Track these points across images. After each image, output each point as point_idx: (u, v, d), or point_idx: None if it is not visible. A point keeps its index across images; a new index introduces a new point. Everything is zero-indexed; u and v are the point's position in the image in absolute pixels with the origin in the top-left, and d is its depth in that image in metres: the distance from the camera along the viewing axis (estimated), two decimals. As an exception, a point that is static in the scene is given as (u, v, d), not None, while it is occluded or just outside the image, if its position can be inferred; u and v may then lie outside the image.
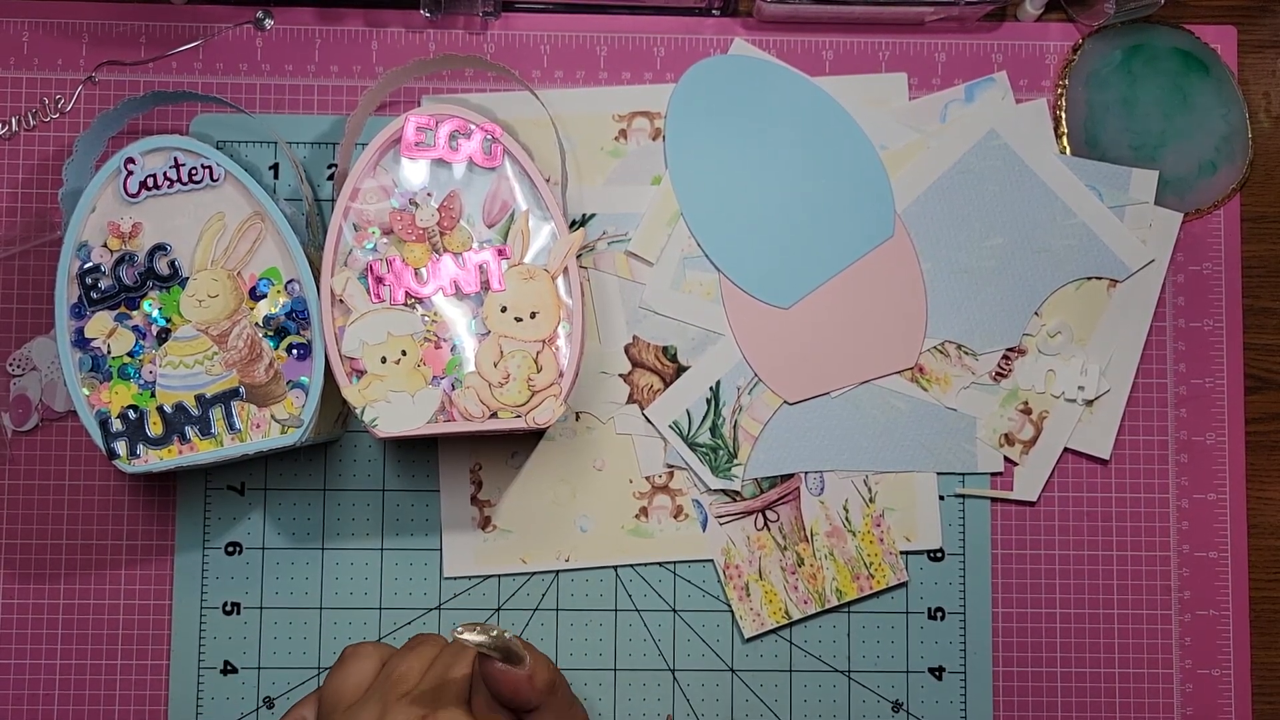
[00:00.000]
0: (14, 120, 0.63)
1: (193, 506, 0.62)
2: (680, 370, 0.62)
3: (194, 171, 0.55)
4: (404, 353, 0.54)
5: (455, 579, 0.62)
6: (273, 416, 0.55)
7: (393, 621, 0.62)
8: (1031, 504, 0.63)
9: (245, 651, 0.61)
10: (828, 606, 0.62)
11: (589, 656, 0.62)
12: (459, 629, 0.46)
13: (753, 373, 0.62)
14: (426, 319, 0.55)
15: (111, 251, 0.55)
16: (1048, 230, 0.63)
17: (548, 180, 0.56)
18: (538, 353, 0.55)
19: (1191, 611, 0.63)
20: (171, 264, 0.55)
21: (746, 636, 0.62)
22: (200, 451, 0.54)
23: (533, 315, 0.55)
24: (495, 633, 0.47)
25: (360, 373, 0.54)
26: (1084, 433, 0.63)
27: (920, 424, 0.62)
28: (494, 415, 0.54)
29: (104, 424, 0.54)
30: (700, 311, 0.62)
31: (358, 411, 0.54)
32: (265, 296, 0.55)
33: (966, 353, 0.63)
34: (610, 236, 0.63)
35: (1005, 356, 0.63)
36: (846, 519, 0.62)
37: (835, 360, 0.62)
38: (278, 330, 0.55)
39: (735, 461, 0.62)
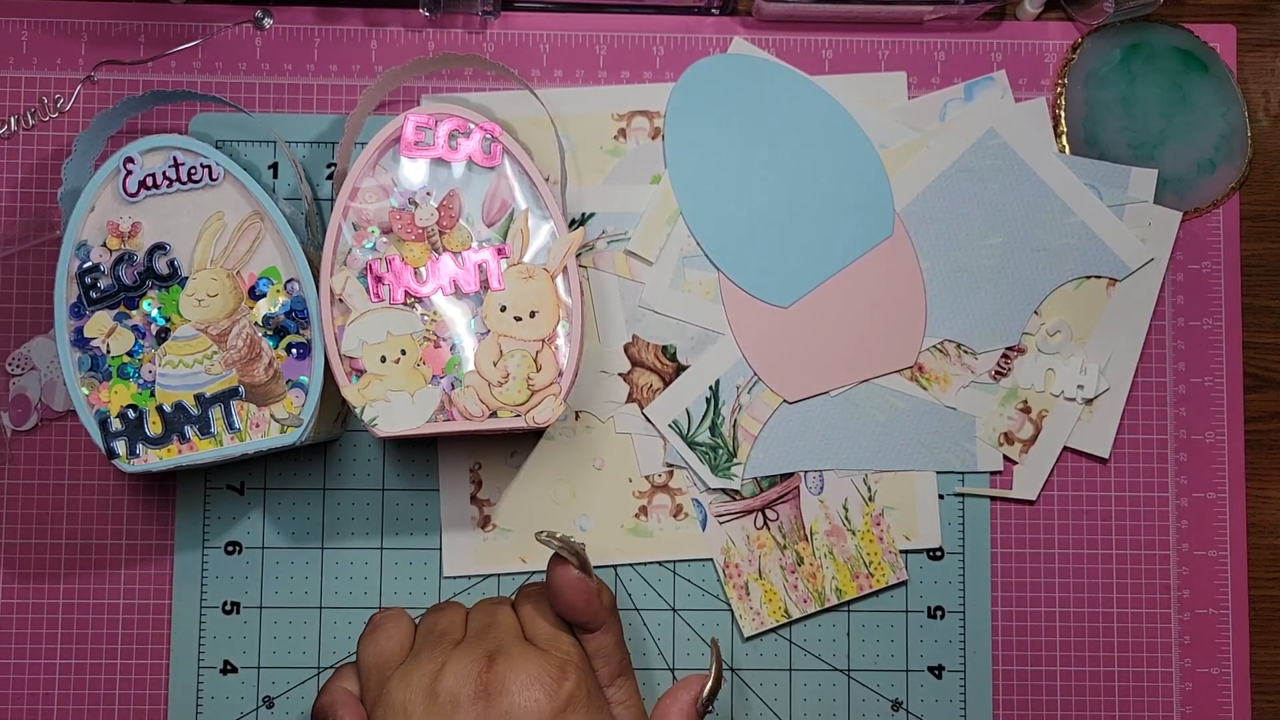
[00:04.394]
0: (13, 120, 0.63)
1: (192, 506, 0.62)
2: (680, 369, 0.62)
3: (193, 171, 0.55)
4: (403, 352, 0.54)
5: (455, 578, 0.62)
6: (272, 416, 0.55)
7: (392, 621, 0.62)
8: (1031, 503, 0.63)
9: (245, 651, 0.61)
10: (827, 605, 0.62)
11: (589, 656, 0.62)
12: (541, 533, 0.49)
13: (752, 372, 0.62)
14: (426, 318, 0.55)
15: (111, 251, 0.55)
16: (1047, 229, 0.63)
17: (547, 179, 0.56)
18: (537, 352, 0.55)
19: (1191, 610, 0.63)
20: (171, 263, 0.55)
21: (746, 635, 0.62)
22: (200, 451, 0.54)
23: (532, 314, 0.55)
24: (572, 540, 0.48)
25: (360, 372, 0.54)
26: (1083, 431, 0.63)
27: (920, 423, 0.62)
28: (493, 414, 0.54)
29: (103, 423, 0.54)
30: (699, 310, 0.62)
31: (357, 411, 0.54)
32: (264, 296, 0.55)
33: (966, 351, 0.63)
34: (609, 236, 0.63)
35: (1005, 355, 0.63)
36: (846, 518, 0.62)
37: (834, 359, 0.62)
38: (277, 329, 0.55)
39: (735, 460, 0.62)
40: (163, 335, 0.55)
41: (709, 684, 0.50)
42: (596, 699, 0.48)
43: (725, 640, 0.62)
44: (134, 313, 0.55)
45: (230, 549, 0.62)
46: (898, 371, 0.62)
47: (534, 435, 0.62)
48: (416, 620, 0.53)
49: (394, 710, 0.48)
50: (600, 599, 0.49)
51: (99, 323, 0.55)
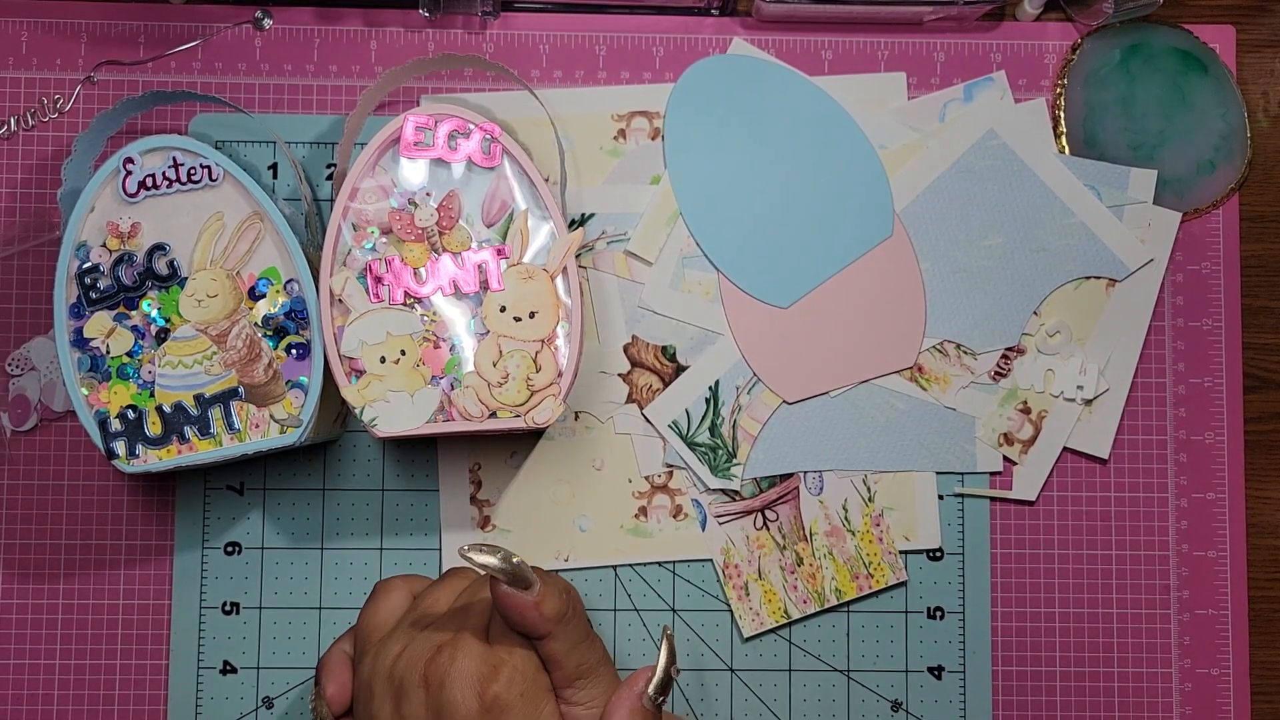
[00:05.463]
0: (13, 120, 0.63)
1: (192, 506, 0.62)
2: (679, 370, 0.62)
3: (193, 171, 0.55)
4: (403, 352, 0.54)
5: (454, 579, 0.62)
6: (272, 416, 0.55)
7: (392, 621, 0.62)
8: (1030, 503, 0.63)
9: (244, 651, 0.61)
10: (827, 606, 0.62)
11: (588, 656, 0.62)
12: (466, 548, 0.47)
13: (752, 372, 0.62)
14: (425, 319, 0.55)
15: (110, 251, 0.55)
16: (1046, 230, 0.63)
17: (546, 180, 0.56)
18: (536, 352, 0.55)
19: (1190, 611, 0.63)
20: (170, 264, 0.55)
21: (746, 636, 0.62)
22: (199, 451, 0.54)
23: (532, 315, 0.55)
24: (502, 554, 0.47)
25: (359, 372, 0.54)
26: (1083, 432, 0.63)
27: (919, 423, 0.62)
28: (493, 415, 0.54)
29: (103, 424, 0.54)
30: (699, 311, 0.62)
31: (357, 411, 0.54)
32: (264, 296, 0.55)
33: (965, 352, 0.63)
34: (609, 236, 0.63)
35: (1004, 356, 0.63)
36: (846, 518, 0.62)
37: (834, 360, 0.62)
38: (277, 330, 0.55)
39: (734, 461, 0.62)
40: (162, 336, 0.55)
41: (656, 676, 0.49)
42: (533, 703, 0.48)
43: (725, 640, 0.62)
44: (134, 313, 0.55)
45: (230, 549, 0.62)
46: (897, 372, 0.62)
47: (534, 435, 0.62)
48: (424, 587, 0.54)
49: (362, 685, 0.50)
50: (539, 610, 0.48)
51: (99, 323, 0.55)
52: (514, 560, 0.47)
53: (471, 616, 0.50)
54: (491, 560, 0.47)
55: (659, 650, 0.50)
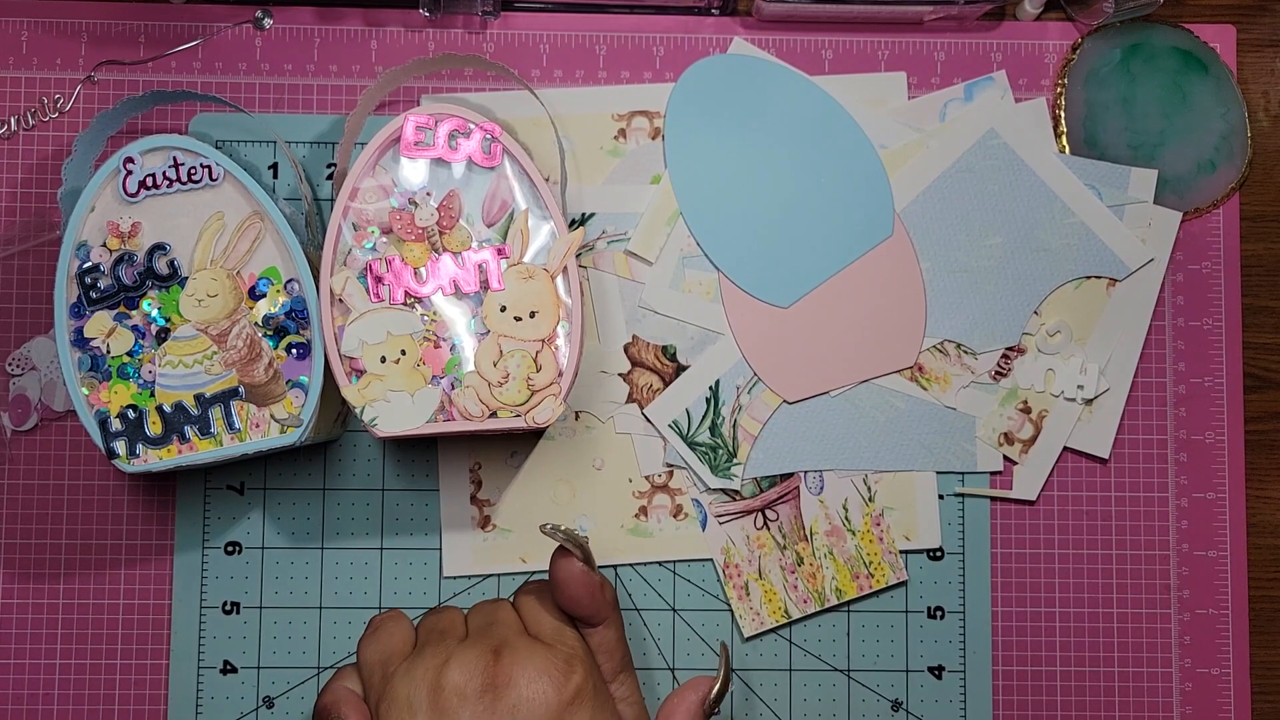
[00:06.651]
0: (13, 120, 0.63)
1: (192, 506, 0.62)
2: (680, 369, 0.62)
3: (193, 171, 0.55)
4: (403, 352, 0.54)
5: (455, 578, 0.62)
6: (272, 416, 0.55)
7: (392, 621, 0.62)
8: (1031, 503, 0.63)
9: (245, 651, 0.61)
10: (827, 606, 0.62)
11: (588, 656, 0.62)
12: (546, 525, 0.49)
13: (752, 372, 0.62)
14: (426, 318, 0.55)
15: (111, 251, 0.55)
16: (1047, 229, 0.63)
17: (547, 180, 0.56)
18: (537, 352, 0.55)
19: (1191, 611, 0.63)
20: (171, 263, 0.55)
21: (746, 636, 0.62)
22: (199, 451, 0.54)
23: (532, 314, 0.55)
24: (582, 535, 0.48)
25: (359, 372, 0.54)
26: (1083, 432, 0.63)
27: (919, 423, 0.62)
28: (493, 415, 0.54)
29: (103, 424, 0.54)
30: (699, 311, 0.62)
31: (357, 411, 0.54)
32: (264, 296, 0.55)
33: (966, 352, 0.63)
34: (609, 236, 0.63)
35: (1005, 355, 0.63)
36: (846, 518, 0.62)
37: (834, 359, 0.62)
38: (277, 330, 0.55)
39: (735, 461, 0.62)
40: (163, 335, 0.55)
41: (716, 687, 0.50)
42: (602, 693, 0.49)
43: (726, 641, 0.62)
44: (134, 313, 0.55)
45: (230, 549, 0.62)
46: (898, 371, 0.62)
47: (534, 435, 0.62)
48: (416, 621, 0.54)
49: (398, 705, 0.48)
50: (603, 593, 0.50)
51: (99, 323, 0.55)
52: (584, 540, 0.49)
53: (506, 625, 0.50)
54: (568, 537, 0.49)
55: (719, 663, 0.52)
